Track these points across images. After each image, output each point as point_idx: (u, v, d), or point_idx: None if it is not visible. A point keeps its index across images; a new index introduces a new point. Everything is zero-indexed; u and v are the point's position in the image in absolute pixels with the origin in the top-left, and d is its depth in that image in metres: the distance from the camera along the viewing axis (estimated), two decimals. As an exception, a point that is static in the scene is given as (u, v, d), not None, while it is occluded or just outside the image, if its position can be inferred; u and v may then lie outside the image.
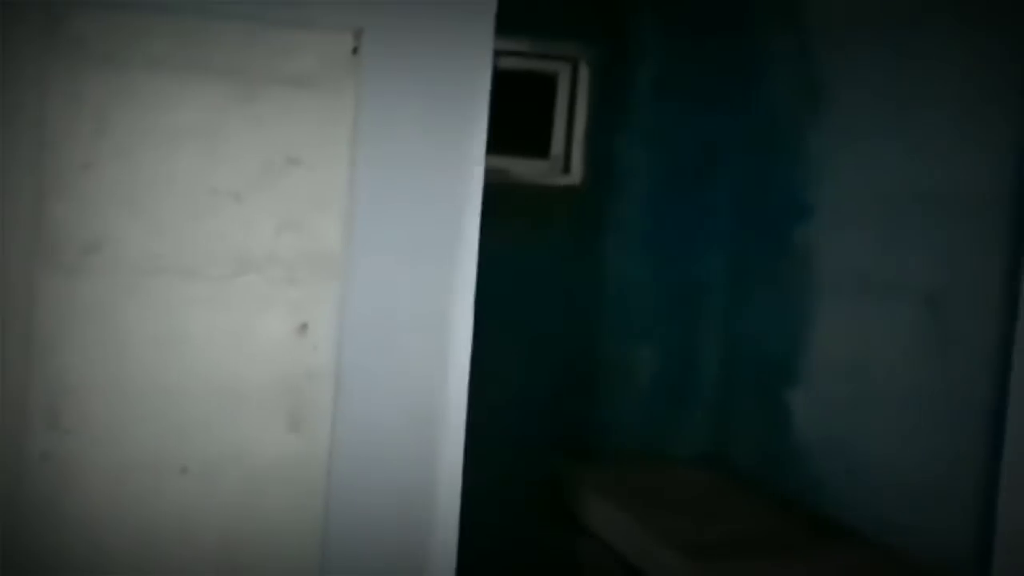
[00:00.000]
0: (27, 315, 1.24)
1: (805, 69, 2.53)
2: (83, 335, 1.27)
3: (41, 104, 1.25)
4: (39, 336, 1.25)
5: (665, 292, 2.79)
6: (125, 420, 1.28)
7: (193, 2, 1.26)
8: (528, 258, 2.71)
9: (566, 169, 2.79)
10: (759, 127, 2.69)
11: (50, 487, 1.26)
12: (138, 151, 1.27)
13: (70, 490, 1.27)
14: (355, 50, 1.31)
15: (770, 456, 2.59)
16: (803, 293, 2.49)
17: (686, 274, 2.79)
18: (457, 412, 1.35)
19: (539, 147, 2.78)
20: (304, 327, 1.31)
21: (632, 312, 2.77)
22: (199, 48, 1.27)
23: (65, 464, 1.27)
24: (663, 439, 2.79)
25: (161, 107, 1.28)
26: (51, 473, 1.26)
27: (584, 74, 2.75)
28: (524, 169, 2.75)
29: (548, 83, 2.77)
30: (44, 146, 1.25)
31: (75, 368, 1.27)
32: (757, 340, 2.67)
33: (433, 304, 1.35)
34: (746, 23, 2.73)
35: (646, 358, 2.77)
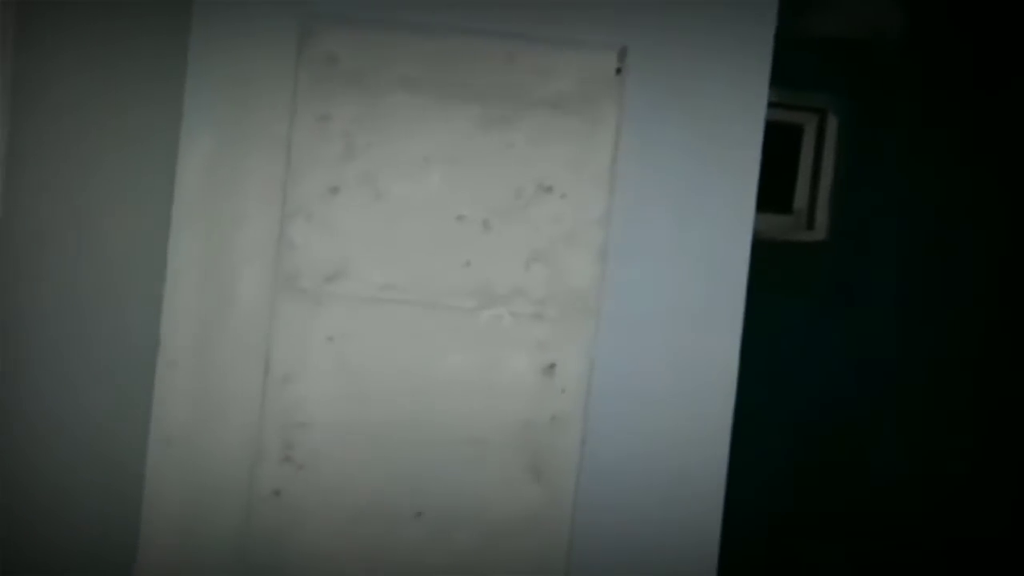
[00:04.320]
0: (265, 343, 1.14)
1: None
2: (321, 367, 1.15)
3: (288, 125, 1.15)
4: (276, 365, 1.14)
5: (915, 370, 2.53)
6: (360, 459, 1.16)
7: (452, 20, 1.14)
8: (769, 317, 2.50)
9: (810, 225, 2.58)
10: (1017, 185, 2.42)
11: (280, 525, 1.15)
12: (386, 176, 1.16)
13: (300, 529, 1.15)
14: (618, 71, 1.17)
15: None
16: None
17: (937, 348, 2.52)
18: (715, 476, 1.17)
19: (780, 201, 2.59)
20: (552, 368, 1.16)
21: (876, 392, 2.51)
22: (455, 69, 1.15)
23: (297, 501, 1.15)
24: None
25: (412, 130, 1.16)
26: (282, 510, 1.15)
27: (832, 126, 2.54)
28: (764, 224, 2.55)
29: (792, 135, 2.58)
30: (289, 169, 1.15)
31: (311, 401, 1.15)
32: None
33: (691, 355, 1.17)
34: (1013, 84, 2.47)
35: (890, 447, 2.51)
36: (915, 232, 2.59)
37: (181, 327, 1.13)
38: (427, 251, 1.15)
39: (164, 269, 1.10)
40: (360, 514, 1.16)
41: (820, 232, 2.71)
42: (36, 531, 0.96)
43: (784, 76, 2.49)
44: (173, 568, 1.13)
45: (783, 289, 2.58)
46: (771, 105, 2.57)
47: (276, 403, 1.14)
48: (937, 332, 2.56)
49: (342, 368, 1.15)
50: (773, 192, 2.68)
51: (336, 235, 1.15)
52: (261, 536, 1.16)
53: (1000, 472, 2.41)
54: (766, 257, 2.55)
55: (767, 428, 2.45)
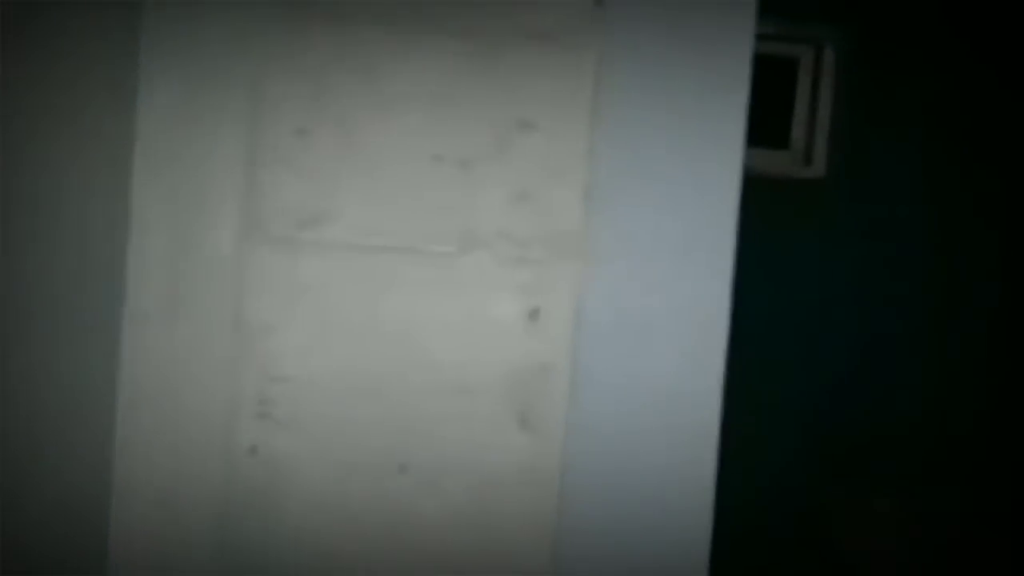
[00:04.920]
0: (237, 294, 1.09)
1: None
2: (298, 319, 1.10)
3: (256, 64, 1.09)
4: (250, 318, 1.09)
5: (921, 307, 2.47)
6: (341, 413, 1.11)
7: (425, -49, 1.08)
8: (765, 258, 2.45)
9: (808, 161, 2.51)
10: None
11: (260, 484, 1.10)
12: (360, 116, 1.10)
13: (281, 488, 1.10)
14: (599, 2, 1.10)
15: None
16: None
17: (947, 288, 2.46)
18: (709, 418, 1.12)
19: (777, 136, 2.52)
20: (536, 312, 1.10)
21: (881, 329, 2.46)
22: (432, 3, 1.09)
23: (276, 459, 1.10)
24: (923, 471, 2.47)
25: (386, 69, 1.10)
26: (261, 469, 1.10)
27: (829, 58, 2.47)
28: (760, 160, 2.49)
29: (788, 68, 2.51)
30: (258, 110, 1.09)
31: (289, 355, 1.10)
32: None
33: (683, 298, 1.12)
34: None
35: (892, 381, 2.46)
36: (918, 168, 2.52)
37: (148, 281, 1.07)
38: (405, 194, 1.10)
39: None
40: (344, 469, 1.11)
41: (819, 168, 2.64)
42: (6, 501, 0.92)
43: (778, 6, 2.43)
44: (151, 531, 1.09)
45: (781, 226, 2.52)
46: (766, 38, 2.50)
47: (252, 357, 1.09)
48: (942, 270, 2.50)
49: (321, 320, 1.10)
50: (769, 127, 2.61)
51: (308, 180, 1.10)
52: (242, 495, 1.11)
53: (1015, 406, 2.36)
54: (763, 194, 2.50)
55: (767, 369, 2.40)
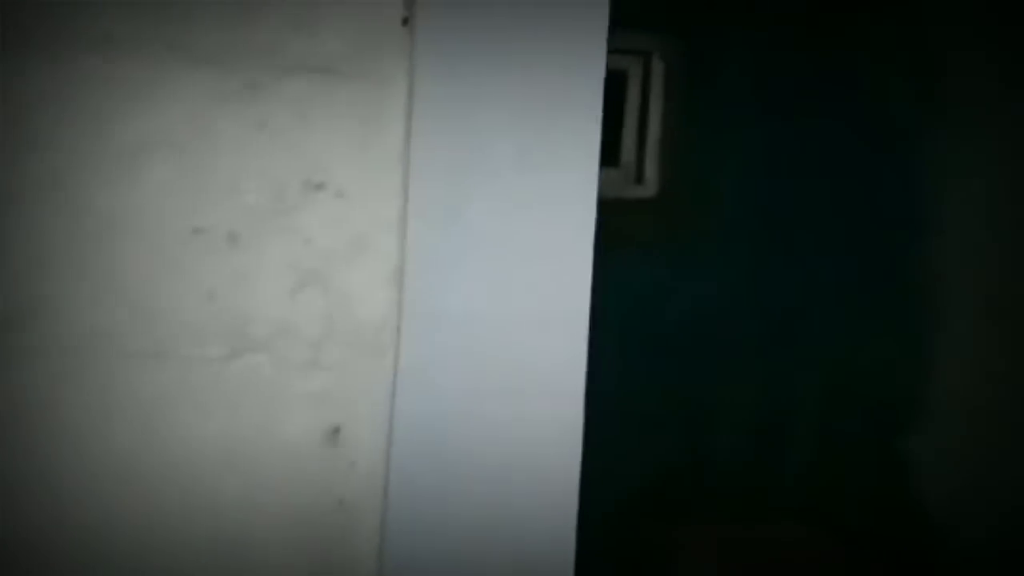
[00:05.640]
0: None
1: (920, 62, 2.04)
2: (5, 450, 0.80)
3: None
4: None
5: (755, 320, 2.31)
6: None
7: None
8: (601, 281, 2.23)
9: (639, 179, 2.31)
10: (866, 132, 2.20)
11: None
12: (86, 174, 0.80)
13: None
14: (406, 21, 0.84)
15: (884, 513, 2.10)
16: (921, 322, 2.01)
17: (779, 299, 2.30)
18: (565, 547, 0.87)
19: (606, 154, 2.31)
20: (336, 432, 0.83)
21: (720, 342, 2.28)
22: (178, 25, 0.80)
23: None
24: (755, 488, 2.30)
25: (120, 109, 0.80)
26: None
27: (659, 71, 2.27)
28: (588, 179, 2.26)
29: (615, 81, 2.31)
30: (-60, 169, 0.78)
31: (-4, 498, 0.80)
32: (866, 376, 2.18)
33: (529, 403, 0.87)
34: (859, 21, 2.23)
35: (737, 396, 2.29)
36: (754, 187, 2.36)
37: None
38: (151, 279, 0.81)
39: None
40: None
41: (650, 188, 2.45)
42: None
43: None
44: None
45: (613, 248, 2.31)
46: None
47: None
48: (777, 293, 2.34)
49: (34, 451, 0.80)
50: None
51: (15, 264, 0.79)
52: None
53: (851, 420, 2.22)
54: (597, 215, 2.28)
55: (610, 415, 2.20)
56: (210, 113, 0.79)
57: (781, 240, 2.32)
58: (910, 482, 2.03)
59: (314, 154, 0.81)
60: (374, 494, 0.81)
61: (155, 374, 0.80)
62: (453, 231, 0.86)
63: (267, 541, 0.81)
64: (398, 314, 0.83)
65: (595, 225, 1.01)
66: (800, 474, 2.32)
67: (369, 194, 0.82)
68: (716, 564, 2.08)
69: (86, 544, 0.78)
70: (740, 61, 2.30)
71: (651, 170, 2.34)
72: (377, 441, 0.81)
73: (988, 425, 1.85)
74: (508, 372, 0.87)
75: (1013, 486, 1.76)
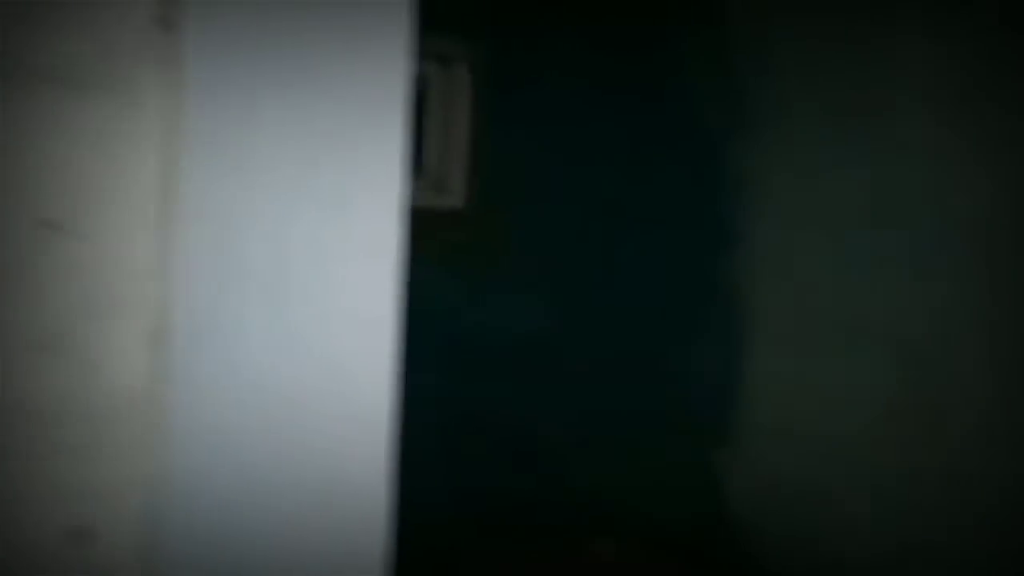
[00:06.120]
0: None
1: (731, 73, 1.99)
2: None
3: None
4: None
5: (564, 337, 2.22)
6: None
7: None
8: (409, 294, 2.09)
9: (443, 189, 2.18)
10: (678, 144, 2.13)
11: None
12: None
13: None
14: (165, 21, 0.68)
15: (698, 530, 2.04)
16: (733, 337, 1.96)
17: (589, 316, 2.21)
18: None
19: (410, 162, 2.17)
20: (81, 534, 0.66)
21: (529, 361, 2.18)
22: None
23: None
24: (573, 506, 2.21)
25: None
26: None
27: (462, 76, 2.15)
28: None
29: (419, 88, 2.17)
30: None
31: None
32: (678, 392, 2.12)
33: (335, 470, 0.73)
34: (658, 18, 2.16)
35: (544, 416, 2.19)
36: (563, 197, 2.27)
37: None
38: None
39: None
40: None
41: (456, 197, 2.33)
42: None
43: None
44: None
45: (416, 262, 2.17)
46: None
47: None
48: (586, 307, 2.26)
49: None
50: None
51: None
52: None
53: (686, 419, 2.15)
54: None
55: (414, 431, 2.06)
56: (-93, 135, 0.62)
57: (590, 252, 2.24)
58: (722, 495, 1.98)
59: (47, 189, 0.64)
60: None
61: None
62: (229, 273, 0.71)
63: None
64: (160, 381, 0.67)
65: (401, 242, 0.88)
66: (612, 488, 2.25)
67: (118, 235, 0.66)
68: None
69: None
70: (548, 68, 2.20)
71: (456, 180, 2.22)
72: (134, 544, 0.65)
73: (798, 439, 1.81)
74: (305, 447, 0.72)
75: (821, 497, 1.73)
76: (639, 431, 2.21)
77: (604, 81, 2.19)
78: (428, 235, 2.19)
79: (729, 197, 1.97)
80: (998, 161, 1.41)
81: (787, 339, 1.83)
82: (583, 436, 2.24)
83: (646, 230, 2.20)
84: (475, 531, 2.16)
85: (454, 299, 2.19)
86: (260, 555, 0.67)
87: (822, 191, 1.76)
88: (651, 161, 2.19)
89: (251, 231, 0.71)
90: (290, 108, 0.76)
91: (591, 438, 2.24)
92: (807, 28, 1.79)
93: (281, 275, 0.74)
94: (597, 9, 2.15)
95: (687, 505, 2.08)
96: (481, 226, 2.21)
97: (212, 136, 0.70)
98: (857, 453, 1.64)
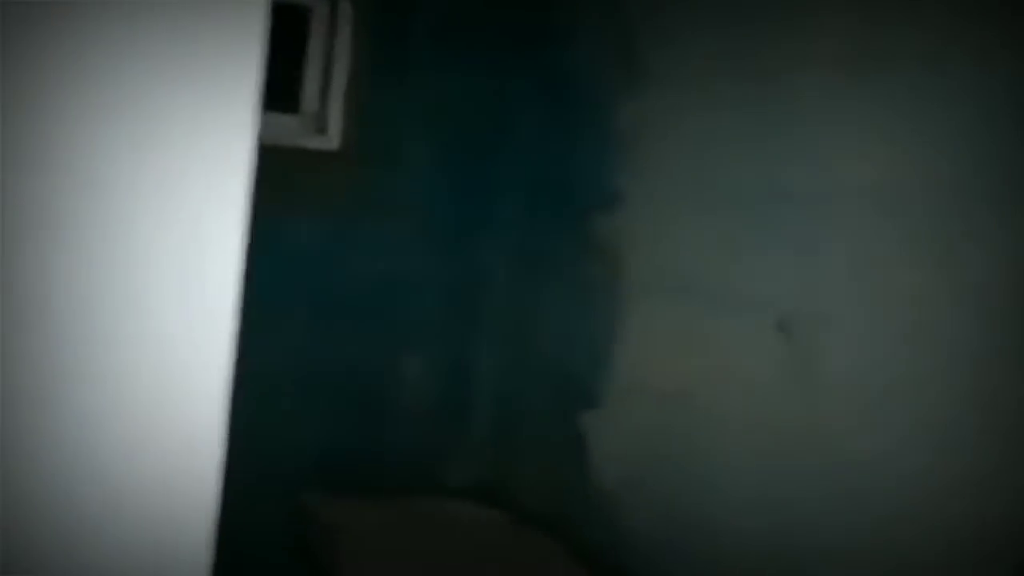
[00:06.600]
0: None
1: (618, 28, 1.93)
2: None
3: None
4: None
5: (439, 289, 2.15)
6: None
7: None
8: (270, 240, 1.99)
9: (322, 129, 2.09)
10: (560, 96, 2.08)
11: None
12: None
13: None
14: None
15: (563, 493, 2.01)
16: (606, 296, 1.92)
17: (465, 268, 2.15)
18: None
19: (287, 99, 2.07)
20: None
21: (397, 310, 2.11)
22: None
23: None
24: (434, 465, 2.15)
25: None
26: None
27: (346, 11, 2.06)
28: (264, 127, 2.02)
29: (300, 19, 2.07)
30: None
31: None
32: (548, 352, 2.08)
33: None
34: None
35: (413, 367, 2.13)
36: (444, 141, 2.19)
37: None
38: None
39: None
40: None
41: (333, 139, 2.23)
42: None
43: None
44: None
45: (290, 204, 2.08)
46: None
47: None
48: (467, 251, 2.19)
49: None
50: (274, 88, 2.17)
51: None
52: None
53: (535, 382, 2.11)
54: (269, 166, 2.05)
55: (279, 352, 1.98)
56: None
57: (470, 204, 2.18)
58: (587, 458, 1.95)
59: None
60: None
61: None
62: (47, 229, 0.63)
63: None
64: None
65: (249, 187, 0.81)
66: (475, 449, 2.21)
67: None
68: (383, 540, 1.93)
69: None
70: (436, 7, 2.13)
71: (335, 120, 2.13)
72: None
73: (666, 403, 1.78)
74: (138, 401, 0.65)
75: (693, 460, 1.71)
76: (506, 388, 2.17)
77: (491, 31, 2.12)
78: (305, 177, 2.11)
79: (605, 155, 1.93)
80: (894, 131, 1.39)
81: (666, 300, 1.79)
82: (451, 388, 2.19)
83: (527, 185, 2.14)
84: (325, 487, 2.09)
85: (328, 241, 2.10)
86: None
87: (707, 157, 1.72)
88: (530, 118, 2.13)
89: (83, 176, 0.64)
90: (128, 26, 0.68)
91: (457, 389, 2.19)
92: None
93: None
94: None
95: (554, 465, 2.04)
96: (359, 168, 2.13)
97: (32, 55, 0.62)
98: (731, 416, 1.62)
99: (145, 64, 0.70)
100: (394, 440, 2.13)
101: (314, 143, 2.11)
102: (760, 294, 1.60)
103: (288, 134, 2.10)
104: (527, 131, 2.14)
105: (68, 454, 0.66)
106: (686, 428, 1.72)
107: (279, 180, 2.00)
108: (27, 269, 0.64)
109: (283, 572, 2.01)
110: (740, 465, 1.61)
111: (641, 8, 1.89)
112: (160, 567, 0.70)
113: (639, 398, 1.85)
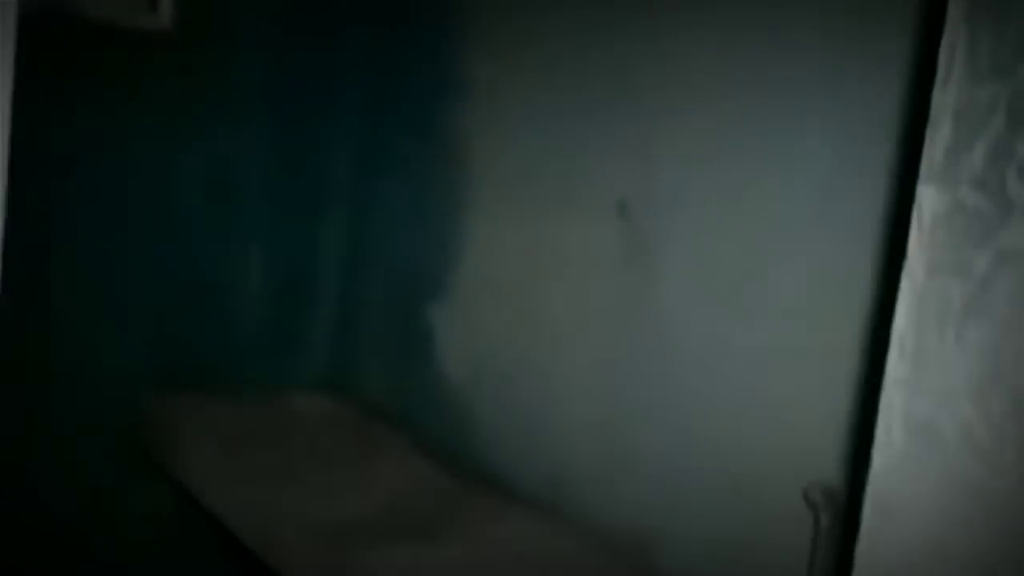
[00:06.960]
0: None
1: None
2: None
3: None
4: None
5: (278, 179, 2.07)
6: None
7: None
8: (96, 129, 1.88)
9: (152, 7, 1.96)
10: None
11: None
12: None
13: None
14: None
15: (407, 386, 1.98)
16: (450, 189, 1.87)
17: (304, 157, 2.07)
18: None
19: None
20: None
21: (235, 204, 2.03)
22: None
23: None
24: (276, 362, 2.10)
25: None
26: None
27: None
28: (90, 4, 1.89)
29: None
30: None
31: None
32: (393, 246, 2.03)
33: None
34: None
35: (253, 262, 2.05)
36: (289, 20, 2.08)
37: None
38: None
39: None
40: None
41: (163, 18, 2.09)
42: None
43: None
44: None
45: (116, 86, 1.95)
46: None
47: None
48: (306, 140, 2.12)
49: None
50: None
51: None
52: None
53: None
54: (95, 46, 1.92)
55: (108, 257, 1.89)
56: None
57: (310, 90, 2.10)
58: (432, 351, 1.92)
59: None
60: None
61: None
62: None
63: None
64: None
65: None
66: (319, 344, 2.16)
67: None
68: (223, 434, 1.87)
69: None
70: None
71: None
72: None
73: (511, 295, 1.77)
74: None
75: (526, 353, 1.70)
76: (350, 283, 2.12)
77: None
78: (135, 58, 1.98)
79: (447, 40, 1.87)
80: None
81: (510, 193, 1.76)
82: (293, 283, 2.13)
83: (366, 69, 2.07)
84: (164, 386, 2.03)
85: (155, 125, 2.00)
86: None
87: (552, 48, 1.68)
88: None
89: None
90: None
91: (300, 285, 2.13)
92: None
93: None
94: None
95: (399, 359, 2.02)
96: (190, 49, 2.02)
97: None
98: (571, 304, 1.61)
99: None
100: (236, 337, 2.07)
101: (144, 23, 1.99)
102: (601, 182, 1.58)
103: (115, 12, 1.98)
104: (370, 17, 2.06)
105: None
106: (528, 318, 1.70)
107: (108, 60, 1.89)
108: None
109: (123, 474, 1.95)
110: (575, 352, 1.60)
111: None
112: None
113: (484, 291, 1.82)
